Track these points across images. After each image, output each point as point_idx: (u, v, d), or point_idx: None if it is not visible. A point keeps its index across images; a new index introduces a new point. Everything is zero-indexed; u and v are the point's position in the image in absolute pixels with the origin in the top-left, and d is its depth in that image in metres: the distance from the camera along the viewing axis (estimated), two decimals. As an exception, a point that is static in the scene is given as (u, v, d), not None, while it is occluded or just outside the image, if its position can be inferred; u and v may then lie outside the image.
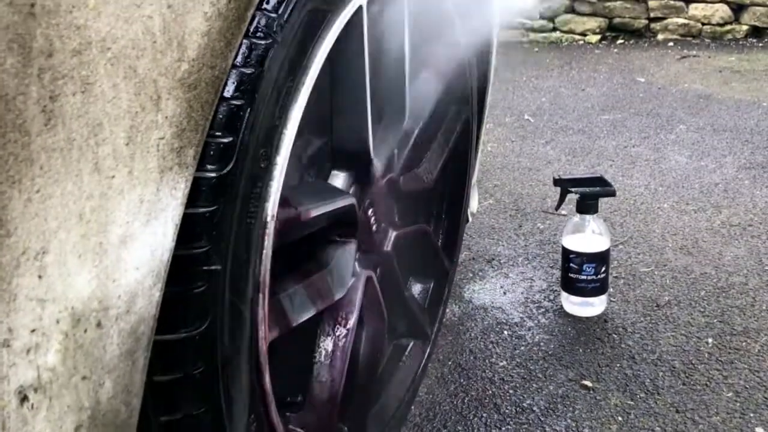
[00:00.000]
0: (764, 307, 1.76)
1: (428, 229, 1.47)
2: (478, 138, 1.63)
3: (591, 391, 1.49)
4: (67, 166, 0.55)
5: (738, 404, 1.43)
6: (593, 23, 5.05)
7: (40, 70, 0.51)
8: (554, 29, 5.16)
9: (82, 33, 0.54)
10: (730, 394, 1.46)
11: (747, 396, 1.45)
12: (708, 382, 1.50)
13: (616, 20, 5.01)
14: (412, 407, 1.43)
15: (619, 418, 1.41)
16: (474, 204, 1.83)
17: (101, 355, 0.61)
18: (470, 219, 1.77)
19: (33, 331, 0.54)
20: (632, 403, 1.45)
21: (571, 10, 5.10)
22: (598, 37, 5.02)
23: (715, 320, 1.72)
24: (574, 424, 1.40)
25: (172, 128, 0.63)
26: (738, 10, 4.79)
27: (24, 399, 0.55)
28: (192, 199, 0.69)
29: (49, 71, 0.52)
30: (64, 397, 0.58)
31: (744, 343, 1.62)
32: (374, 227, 1.19)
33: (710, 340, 1.64)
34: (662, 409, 1.43)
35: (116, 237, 0.60)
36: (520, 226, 2.24)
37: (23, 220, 0.52)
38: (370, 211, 1.16)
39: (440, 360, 1.60)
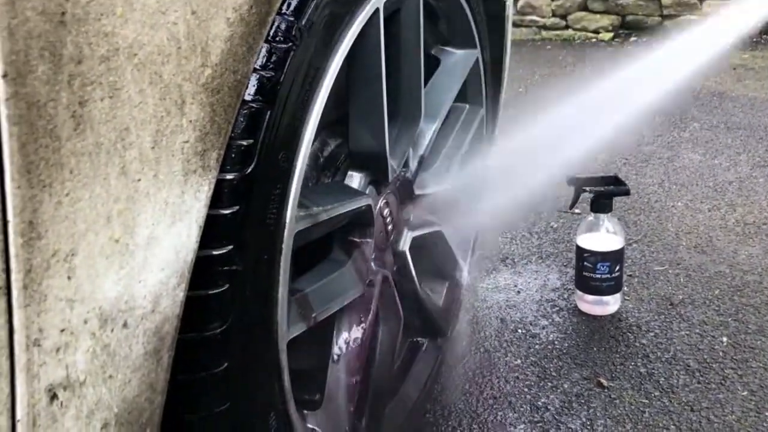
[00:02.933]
0: (779, 306, 1.76)
1: (443, 228, 1.47)
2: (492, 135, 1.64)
3: (606, 390, 1.49)
4: (96, 170, 0.56)
5: (753, 403, 1.43)
6: (606, 21, 5.04)
7: (70, 76, 0.53)
8: (567, 27, 5.15)
9: (110, 40, 0.55)
10: (745, 393, 1.46)
11: (762, 395, 1.45)
12: (723, 381, 1.50)
13: (629, 17, 5.00)
14: (428, 405, 1.44)
15: (634, 417, 1.41)
16: (488, 203, 1.83)
17: (127, 354, 0.62)
18: (484, 217, 1.78)
19: (62, 330, 0.56)
20: (647, 401, 1.45)
21: (584, 7, 5.09)
22: (611, 34, 5.01)
23: (729, 319, 1.72)
24: (588, 423, 1.40)
25: (196, 132, 0.65)
26: (752, 6, 4.76)
27: (54, 397, 0.56)
28: (214, 201, 0.70)
29: (78, 77, 0.53)
30: (92, 395, 0.60)
31: (759, 342, 1.62)
32: (390, 227, 1.20)
33: (725, 339, 1.64)
34: (677, 408, 1.43)
35: (142, 239, 0.61)
36: (534, 225, 2.24)
37: (53, 223, 0.53)
38: (386, 211, 1.17)
39: (455, 358, 1.61)
